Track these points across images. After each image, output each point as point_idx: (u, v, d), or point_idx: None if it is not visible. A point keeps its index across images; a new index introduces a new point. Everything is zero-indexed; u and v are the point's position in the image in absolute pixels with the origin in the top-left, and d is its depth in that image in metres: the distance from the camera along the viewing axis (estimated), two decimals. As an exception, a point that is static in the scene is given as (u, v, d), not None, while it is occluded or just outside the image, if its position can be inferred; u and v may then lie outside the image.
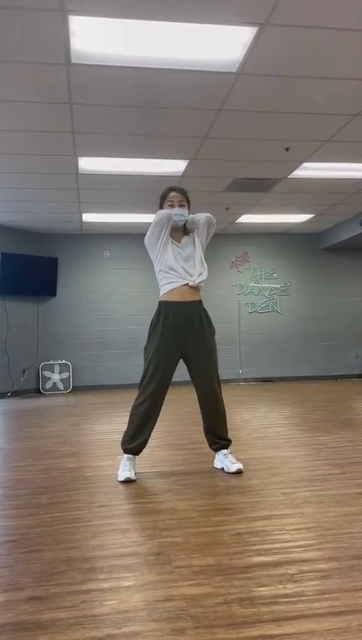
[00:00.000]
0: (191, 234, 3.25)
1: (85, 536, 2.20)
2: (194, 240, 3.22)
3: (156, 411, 3.11)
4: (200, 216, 3.22)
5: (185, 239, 3.23)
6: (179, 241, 3.20)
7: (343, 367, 9.10)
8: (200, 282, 3.16)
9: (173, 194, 3.20)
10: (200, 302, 3.19)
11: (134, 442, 3.08)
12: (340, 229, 8.36)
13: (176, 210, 3.15)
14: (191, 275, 3.13)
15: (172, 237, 3.18)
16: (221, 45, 3.22)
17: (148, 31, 3.04)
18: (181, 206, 3.17)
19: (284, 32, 3.07)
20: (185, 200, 3.21)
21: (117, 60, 3.34)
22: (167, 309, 3.11)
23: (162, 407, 3.13)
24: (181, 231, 3.24)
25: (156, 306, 3.18)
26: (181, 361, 3.19)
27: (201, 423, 3.24)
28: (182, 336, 3.09)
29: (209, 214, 3.24)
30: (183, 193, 3.22)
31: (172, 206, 3.17)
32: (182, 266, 3.13)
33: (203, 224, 3.21)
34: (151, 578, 1.79)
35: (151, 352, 3.09)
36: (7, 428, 5.38)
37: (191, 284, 3.12)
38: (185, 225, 3.25)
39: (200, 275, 3.15)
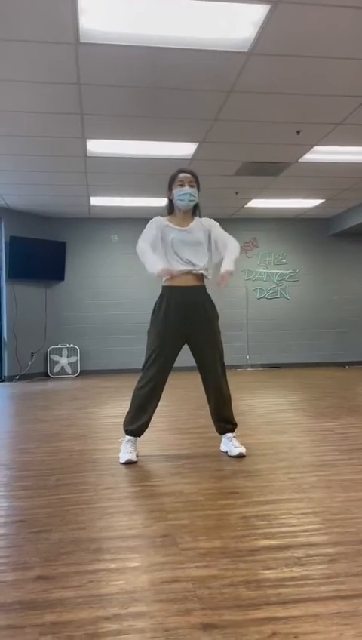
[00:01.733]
0: (204, 224, 3.18)
1: (92, 517, 2.21)
2: (203, 227, 3.16)
3: (157, 395, 3.12)
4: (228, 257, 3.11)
5: (193, 224, 3.16)
6: (185, 226, 3.14)
7: (351, 354, 9.06)
8: (206, 270, 3.12)
9: (182, 175, 3.14)
10: (203, 287, 3.16)
11: (135, 424, 3.10)
12: (350, 215, 8.27)
13: (186, 189, 3.09)
14: (195, 265, 3.09)
15: (175, 223, 3.12)
16: (232, 24, 3.15)
17: (158, 8, 2.98)
18: (191, 187, 3.12)
19: (297, 10, 3.00)
20: (196, 182, 3.15)
21: (126, 39, 3.28)
22: (169, 295, 3.09)
23: (164, 391, 3.14)
24: (189, 214, 3.18)
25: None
26: (186, 346, 3.18)
27: (208, 407, 3.25)
28: (185, 321, 3.08)
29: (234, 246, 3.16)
30: (193, 175, 3.16)
31: (182, 186, 3.11)
32: (186, 256, 3.07)
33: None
34: (158, 559, 1.80)
35: (153, 337, 3.09)
36: (15, 411, 5.42)
37: (194, 271, 3.09)
38: (194, 209, 3.20)
39: (206, 269, 3.12)
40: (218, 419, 3.20)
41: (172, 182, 3.16)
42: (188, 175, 3.14)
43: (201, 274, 3.13)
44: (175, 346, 3.11)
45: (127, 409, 3.17)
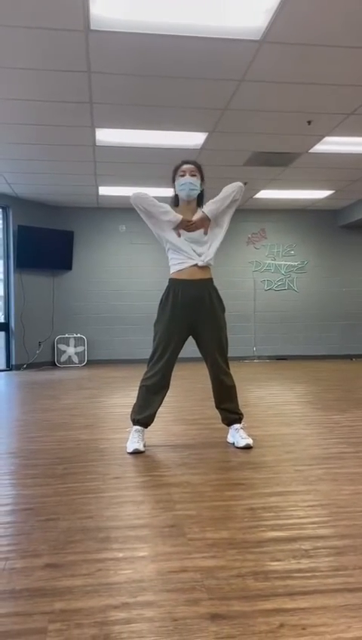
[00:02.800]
0: (204, 212, 3.13)
1: (100, 506, 2.22)
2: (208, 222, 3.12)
3: (164, 386, 3.13)
4: (220, 201, 3.07)
5: (197, 216, 3.09)
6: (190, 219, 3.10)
7: (358, 347, 9.03)
8: (210, 262, 3.10)
9: (185, 166, 3.12)
10: (210, 280, 3.15)
11: (142, 414, 3.12)
12: (360, 207, 8.20)
13: (187, 179, 3.07)
14: (199, 256, 3.08)
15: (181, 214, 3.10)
16: (244, 12, 3.11)
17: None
18: (192, 176, 3.09)
19: (311, -2, 2.96)
20: (198, 172, 3.13)
21: (137, 27, 3.25)
22: (176, 287, 3.09)
23: (170, 382, 3.15)
24: (194, 205, 3.14)
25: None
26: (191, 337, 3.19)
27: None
28: (191, 313, 3.09)
29: (230, 190, 3.11)
30: (196, 165, 3.14)
31: (183, 176, 3.10)
32: (189, 247, 3.07)
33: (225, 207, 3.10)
34: (166, 549, 1.81)
35: (160, 329, 3.11)
36: (22, 399, 5.45)
37: (200, 264, 3.07)
38: (198, 200, 3.17)
39: (210, 259, 3.10)
40: (223, 410, 3.23)
41: (175, 173, 3.15)
42: (191, 165, 3.12)
43: (208, 268, 3.12)
44: (181, 338, 3.13)
45: (135, 399, 3.19)
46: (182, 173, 3.10)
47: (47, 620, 1.40)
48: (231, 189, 3.12)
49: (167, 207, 3.07)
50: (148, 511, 2.18)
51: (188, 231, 3.06)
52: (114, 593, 1.53)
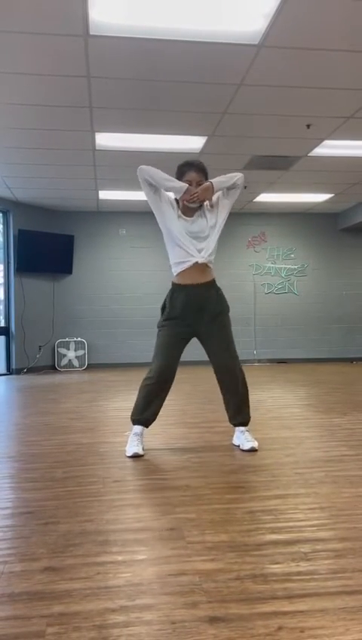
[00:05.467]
0: (205, 208, 3.13)
1: (100, 510, 2.22)
2: (206, 216, 3.10)
3: (165, 388, 3.13)
4: (228, 182, 3.09)
5: (197, 214, 3.12)
6: (191, 216, 3.10)
7: (359, 350, 9.02)
8: (210, 259, 3.08)
9: (192, 174, 3.06)
10: (212, 282, 3.14)
11: (142, 414, 3.12)
12: (360, 210, 8.21)
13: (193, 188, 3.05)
14: (199, 252, 3.06)
15: (183, 212, 3.10)
16: (242, 16, 3.12)
17: (169, 0, 2.96)
18: (199, 186, 3.06)
19: (309, 2, 2.96)
20: (204, 179, 3.09)
21: (136, 32, 3.27)
22: (179, 292, 3.09)
23: (172, 385, 3.15)
24: (194, 208, 3.12)
25: (170, 285, 3.16)
26: (196, 340, 3.18)
27: (216, 402, 3.25)
28: (195, 317, 3.09)
29: (234, 179, 3.11)
30: (202, 171, 3.10)
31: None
32: (190, 241, 3.06)
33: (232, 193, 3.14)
34: (165, 552, 1.80)
35: (162, 332, 3.12)
36: (22, 403, 5.45)
37: (200, 261, 3.05)
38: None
39: (210, 254, 3.08)
40: (233, 410, 3.20)
41: (179, 177, 3.09)
42: (197, 175, 3.06)
43: (209, 267, 3.12)
44: (183, 341, 3.13)
45: (135, 401, 3.18)
46: (188, 183, 3.04)
47: (45, 623, 1.40)
48: (233, 174, 3.13)
49: (173, 178, 3.06)
50: (147, 514, 2.18)
51: (190, 203, 3.03)
52: (112, 596, 1.52)
